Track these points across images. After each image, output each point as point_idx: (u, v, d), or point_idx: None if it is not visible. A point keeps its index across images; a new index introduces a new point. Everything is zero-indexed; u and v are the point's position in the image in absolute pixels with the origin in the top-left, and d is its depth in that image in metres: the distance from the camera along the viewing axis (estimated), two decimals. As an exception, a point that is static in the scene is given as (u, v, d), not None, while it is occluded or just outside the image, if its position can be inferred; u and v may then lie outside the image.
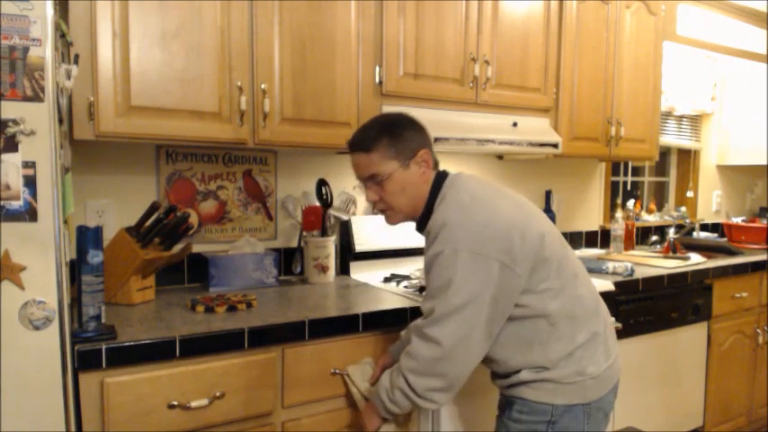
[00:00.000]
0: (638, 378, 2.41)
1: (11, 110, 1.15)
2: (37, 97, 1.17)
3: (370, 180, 1.44)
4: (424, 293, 1.47)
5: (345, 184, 2.38)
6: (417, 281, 2.12)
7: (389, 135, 1.42)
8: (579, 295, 1.41)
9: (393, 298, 1.89)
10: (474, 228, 1.31)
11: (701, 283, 2.64)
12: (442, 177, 1.46)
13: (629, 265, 2.46)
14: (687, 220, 3.48)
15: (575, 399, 1.38)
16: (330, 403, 1.64)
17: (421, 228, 1.48)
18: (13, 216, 1.16)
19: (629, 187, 3.61)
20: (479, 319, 1.30)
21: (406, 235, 2.39)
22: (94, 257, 1.40)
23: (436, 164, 1.49)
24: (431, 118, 2.09)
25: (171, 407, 1.40)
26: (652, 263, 2.70)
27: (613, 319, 2.25)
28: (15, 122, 1.15)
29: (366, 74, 2.01)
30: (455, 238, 1.31)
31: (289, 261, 2.23)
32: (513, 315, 1.36)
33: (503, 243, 1.30)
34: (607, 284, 2.24)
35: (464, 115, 2.25)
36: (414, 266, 2.37)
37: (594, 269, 2.45)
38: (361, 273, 2.30)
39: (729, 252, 3.12)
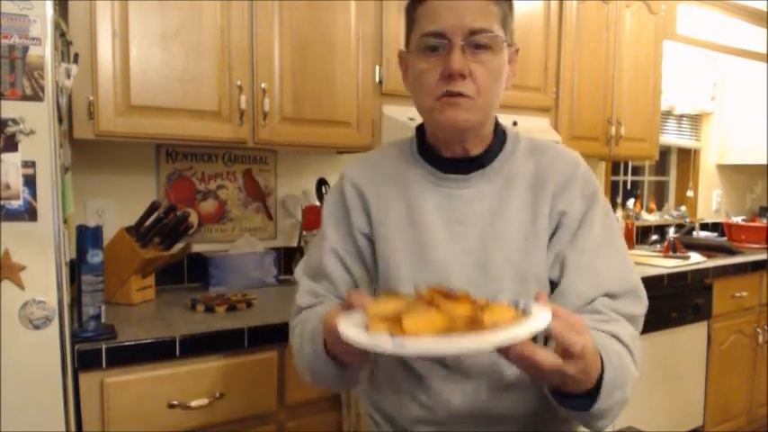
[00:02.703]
0: (638, 378, 2.41)
1: (10, 109, 1.15)
2: (36, 96, 1.17)
3: (473, 37, 0.90)
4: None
5: (345, 183, 2.38)
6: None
7: None
8: None
9: (393, 297, 1.89)
10: None
11: (701, 283, 2.64)
12: None
13: (630, 264, 2.45)
14: (687, 220, 3.47)
15: None
16: (331, 402, 1.64)
17: (485, 160, 1.00)
18: (13, 216, 1.16)
19: (629, 186, 3.61)
20: None
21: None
22: (94, 257, 1.40)
23: None
24: (431, 117, 2.10)
25: (171, 407, 1.40)
26: (652, 262, 2.70)
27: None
28: (15, 122, 1.15)
29: (366, 73, 2.01)
30: (596, 180, 1.06)
31: (289, 260, 2.23)
32: None
33: None
34: (607, 284, 2.24)
35: (464, 115, 2.25)
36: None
37: (594, 269, 2.45)
38: (361, 272, 2.29)
39: (729, 251, 3.12)
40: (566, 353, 0.70)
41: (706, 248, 3.16)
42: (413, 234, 0.99)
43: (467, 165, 1.00)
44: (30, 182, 1.17)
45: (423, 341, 0.65)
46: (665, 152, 3.85)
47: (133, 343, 1.37)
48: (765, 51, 3.59)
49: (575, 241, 0.96)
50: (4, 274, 1.16)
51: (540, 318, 0.68)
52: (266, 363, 1.53)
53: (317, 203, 2.19)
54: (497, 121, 1.04)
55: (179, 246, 1.87)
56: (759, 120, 3.65)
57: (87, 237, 1.39)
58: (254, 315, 1.63)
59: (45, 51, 1.17)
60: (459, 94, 0.91)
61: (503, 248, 0.96)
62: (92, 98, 1.57)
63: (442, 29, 0.90)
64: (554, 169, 0.99)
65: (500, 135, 1.03)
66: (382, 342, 0.66)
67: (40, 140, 1.17)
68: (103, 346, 1.33)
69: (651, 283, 2.41)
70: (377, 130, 2.06)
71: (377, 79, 2.04)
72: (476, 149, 1.00)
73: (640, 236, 3.42)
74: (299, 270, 1.11)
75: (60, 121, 1.26)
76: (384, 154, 1.09)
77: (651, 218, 3.58)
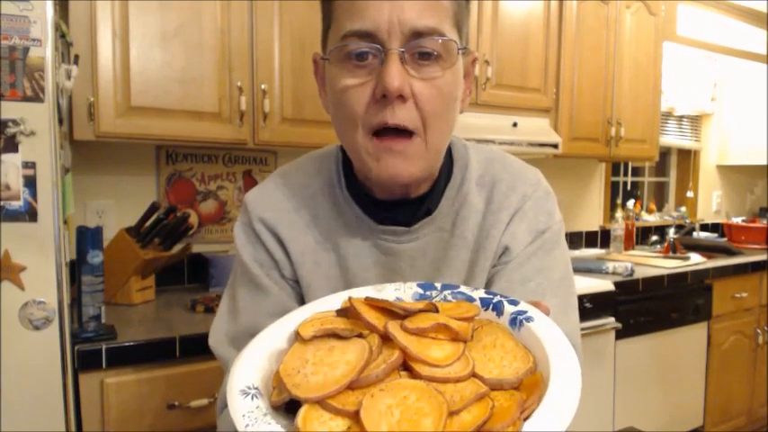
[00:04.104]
0: (638, 378, 2.41)
1: (11, 110, 1.15)
2: (37, 98, 1.17)
3: (417, 41, 0.65)
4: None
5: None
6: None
7: None
8: None
9: (393, 298, 1.89)
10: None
11: (701, 284, 2.64)
12: None
13: (629, 265, 2.46)
14: (687, 221, 3.48)
15: None
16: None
17: (426, 204, 0.79)
18: (13, 216, 1.16)
19: (629, 187, 3.61)
20: None
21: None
22: (94, 257, 1.40)
23: None
24: (431, 118, 2.10)
25: (171, 407, 1.41)
26: (652, 263, 2.70)
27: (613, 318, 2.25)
28: (15, 123, 1.15)
29: (366, 74, 2.01)
30: (555, 208, 0.83)
31: (289, 261, 2.23)
32: None
33: None
34: (607, 284, 2.24)
35: (464, 115, 2.23)
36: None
37: (594, 269, 2.45)
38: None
39: (729, 252, 3.12)
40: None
41: (706, 249, 3.16)
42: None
43: (409, 211, 0.78)
44: (30, 183, 1.17)
45: None
46: (665, 153, 3.85)
47: (133, 343, 1.37)
48: (765, 52, 3.59)
49: (508, 277, 0.77)
50: (4, 275, 1.16)
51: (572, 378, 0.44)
52: (266, 363, 1.54)
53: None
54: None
55: (179, 246, 1.87)
56: (759, 120, 3.65)
57: (87, 237, 1.39)
58: (254, 315, 1.63)
59: (45, 52, 1.17)
60: (403, 129, 0.66)
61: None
62: (92, 99, 1.57)
63: (373, 27, 0.64)
64: (505, 202, 0.80)
65: (447, 161, 0.81)
66: None
67: (41, 141, 1.17)
68: (103, 347, 1.33)
69: (651, 283, 2.41)
70: (377, 131, 2.06)
71: (377, 80, 2.04)
72: (419, 190, 0.77)
73: (640, 236, 3.42)
74: (221, 339, 0.79)
75: (61, 122, 1.27)
76: (300, 186, 0.81)
77: (651, 219, 3.58)
